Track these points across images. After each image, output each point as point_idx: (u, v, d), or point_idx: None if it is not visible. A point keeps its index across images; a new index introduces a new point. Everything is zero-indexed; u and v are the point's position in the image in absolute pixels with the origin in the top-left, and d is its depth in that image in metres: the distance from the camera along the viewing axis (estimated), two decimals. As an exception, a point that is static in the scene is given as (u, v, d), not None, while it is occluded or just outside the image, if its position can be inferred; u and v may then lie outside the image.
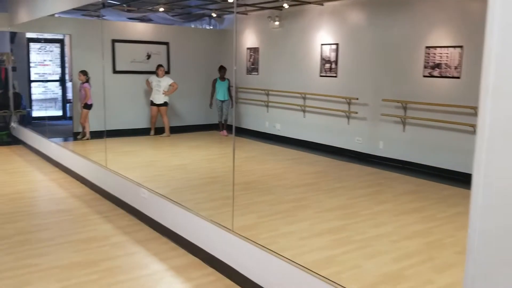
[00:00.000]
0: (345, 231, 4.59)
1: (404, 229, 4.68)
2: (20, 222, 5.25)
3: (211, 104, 10.55)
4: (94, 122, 9.38)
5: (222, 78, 10.39)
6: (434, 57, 7.09)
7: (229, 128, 10.42)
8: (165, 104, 10.29)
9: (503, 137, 1.74)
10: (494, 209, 1.79)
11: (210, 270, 4.05)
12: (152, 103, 10.24)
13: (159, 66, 10.25)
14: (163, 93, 10.16)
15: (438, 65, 7.05)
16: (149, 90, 10.28)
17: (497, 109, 1.75)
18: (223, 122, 10.51)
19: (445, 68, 6.95)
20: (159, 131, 10.35)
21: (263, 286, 3.51)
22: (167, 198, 4.82)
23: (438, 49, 7.04)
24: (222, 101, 10.42)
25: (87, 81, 9.37)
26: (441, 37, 7.02)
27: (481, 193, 1.81)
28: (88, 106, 9.39)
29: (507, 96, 1.72)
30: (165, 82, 10.22)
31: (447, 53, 6.93)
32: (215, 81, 10.48)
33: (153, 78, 10.21)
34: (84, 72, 9.37)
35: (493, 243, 1.80)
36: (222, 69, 10.38)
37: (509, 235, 1.75)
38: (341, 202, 5.57)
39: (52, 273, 3.95)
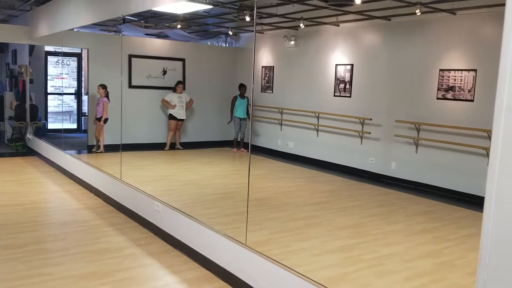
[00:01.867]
0: (357, 249, 4.61)
1: (416, 249, 4.69)
2: (34, 232, 5.31)
3: (231, 121, 10.62)
4: (109, 136, 9.49)
5: (242, 96, 10.47)
6: (448, 80, 7.13)
7: (245, 146, 10.49)
8: (183, 120, 10.48)
9: None
10: (507, 215, 1.84)
11: (222, 283, 4.08)
12: (174, 118, 10.35)
13: (180, 83, 10.42)
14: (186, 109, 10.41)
15: (451, 88, 7.09)
16: (168, 107, 10.37)
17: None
18: (238, 139, 10.56)
19: (459, 91, 6.99)
20: (171, 145, 10.49)
21: (275, 301, 3.53)
22: (181, 211, 4.87)
23: (452, 72, 7.08)
24: (241, 119, 10.48)
25: (106, 95, 9.49)
26: (455, 60, 7.07)
27: (494, 199, 1.87)
28: (104, 120, 9.50)
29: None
30: (185, 97, 10.41)
31: (460, 76, 6.97)
32: (235, 99, 10.55)
33: (172, 96, 10.33)
34: (103, 86, 9.49)
35: (505, 248, 1.85)
36: (242, 86, 10.47)
37: None
38: (353, 221, 5.59)
39: (66, 283, 3.99)
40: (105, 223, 5.72)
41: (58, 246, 4.91)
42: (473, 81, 6.81)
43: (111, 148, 8.92)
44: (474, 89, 6.80)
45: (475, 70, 6.78)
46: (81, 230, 5.45)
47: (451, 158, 7.13)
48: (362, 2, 6.75)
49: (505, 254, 1.85)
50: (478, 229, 1.99)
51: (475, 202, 6.32)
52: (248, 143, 10.02)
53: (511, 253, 1.83)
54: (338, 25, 8.91)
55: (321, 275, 3.88)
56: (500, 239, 1.87)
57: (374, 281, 3.88)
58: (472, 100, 6.83)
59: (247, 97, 10.50)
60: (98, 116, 9.53)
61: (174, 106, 10.31)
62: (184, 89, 10.79)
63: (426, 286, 3.83)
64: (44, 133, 11.50)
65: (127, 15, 6.46)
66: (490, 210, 1.89)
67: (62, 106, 12.44)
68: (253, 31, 10.35)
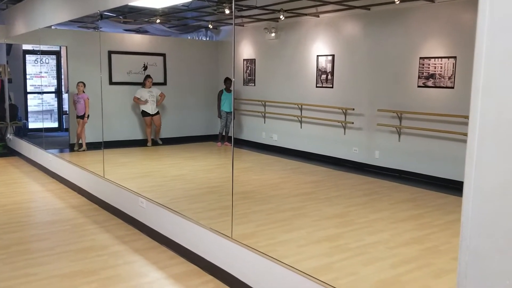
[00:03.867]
0: (342, 238, 4.63)
1: (401, 236, 4.72)
2: (17, 233, 5.25)
3: (220, 115, 10.55)
4: (91, 134, 9.40)
5: (228, 89, 10.41)
6: (428, 67, 7.18)
7: (229, 140, 10.45)
8: (158, 113, 10.40)
9: (492, 129, 1.84)
10: (485, 198, 1.87)
11: (209, 277, 4.07)
12: (148, 114, 10.28)
13: (148, 77, 10.30)
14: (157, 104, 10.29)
15: (432, 76, 7.13)
16: (140, 104, 10.28)
17: (486, 104, 1.86)
18: (223, 134, 10.51)
19: (439, 79, 7.04)
20: (154, 141, 10.42)
21: (262, 293, 3.54)
22: (166, 207, 4.84)
23: (432, 59, 7.12)
24: (227, 113, 10.42)
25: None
26: (435, 48, 7.11)
27: (473, 183, 1.89)
28: (87, 117, 9.40)
29: (495, 94, 1.83)
30: (155, 92, 10.31)
31: (441, 64, 7.01)
32: (221, 93, 10.49)
33: (142, 91, 10.23)
34: (83, 83, 9.41)
35: (484, 230, 1.88)
36: (228, 80, 10.41)
37: (499, 223, 1.83)
38: (338, 211, 5.61)
39: (51, 282, 3.95)
40: (89, 221, 5.67)
41: (42, 246, 4.85)
42: (453, 68, 6.86)
43: (93, 146, 8.85)
44: (454, 76, 6.85)
45: (454, 57, 6.83)
46: (65, 229, 5.40)
47: (433, 145, 7.18)
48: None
49: (485, 236, 1.87)
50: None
51: (458, 188, 6.32)
52: (233, 137, 9.99)
53: (491, 234, 1.85)
54: (318, 16, 8.90)
55: (308, 265, 3.89)
56: (480, 222, 1.89)
57: (360, 269, 3.90)
58: (452, 87, 6.89)
59: (232, 91, 10.47)
60: (80, 113, 9.43)
61: (145, 102, 10.22)
62: (165, 83, 10.72)
63: (412, 272, 3.86)
64: (25, 133, 11.35)
65: (105, 11, 6.38)
66: (469, 193, 1.91)
67: (42, 105, 12.28)
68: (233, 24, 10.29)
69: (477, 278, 1.90)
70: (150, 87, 10.28)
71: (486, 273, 1.87)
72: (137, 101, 10.25)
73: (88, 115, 9.39)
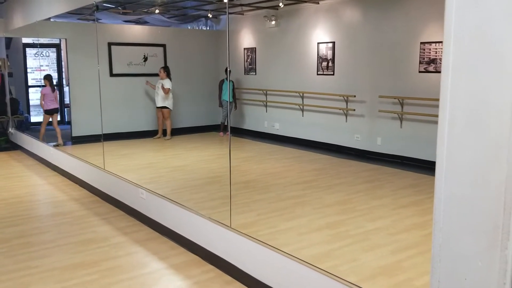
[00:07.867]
0: (343, 225, 4.61)
1: (402, 222, 4.70)
2: (19, 226, 5.26)
3: (221, 105, 10.51)
4: (91, 126, 9.36)
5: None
6: (429, 52, 7.11)
7: (231, 129, 10.41)
8: (166, 107, 10.22)
9: (462, 109, 1.83)
10: (457, 179, 1.86)
11: (210, 267, 4.06)
12: (156, 106, 10.25)
13: (160, 68, 10.18)
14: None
15: (433, 61, 7.07)
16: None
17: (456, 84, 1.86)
18: (226, 123, 10.47)
19: (440, 63, 6.95)
20: (164, 133, 10.38)
21: (261, 281, 3.53)
22: (166, 198, 4.84)
23: (433, 44, 7.06)
24: (229, 102, 10.36)
25: (51, 85, 9.35)
26: (435, 32, 7.04)
27: (444, 164, 1.89)
28: (51, 111, 9.35)
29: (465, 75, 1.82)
30: (163, 84, 10.21)
31: (441, 49, 6.92)
32: (222, 82, 10.44)
33: (158, 82, 10.19)
34: (46, 77, 9.39)
35: (457, 212, 1.87)
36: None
37: (469, 207, 1.82)
38: (339, 198, 5.59)
39: (52, 275, 3.96)
40: (90, 214, 5.67)
41: (43, 239, 4.86)
42: (454, 52, 6.78)
43: (94, 139, 8.82)
44: (456, 61, 6.77)
45: (455, 41, 6.75)
46: (67, 221, 5.40)
47: (435, 130, 7.07)
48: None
49: (458, 218, 1.85)
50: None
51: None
52: (235, 127, 9.94)
53: (463, 216, 1.83)
54: (318, 3, 8.82)
55: (308, 253, 3.88)
56: (452, 204, 1.87)
57: (361, 255, 3.88)
58: (454, 72, 6.81)
59: (232, 81, 10.42)
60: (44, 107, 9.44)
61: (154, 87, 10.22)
62: (167, 75, 10.65)
63: (412, 258, 3.84)
64: (27, 126, 11.35)
65: (101, 2, 6.34)
66: (441, 175, 1.89)
67: (44, 99, 12.25)
68: (232, 13, 10.24)
69: (450, 260, 1.89)
70: (162, 78, 10.11)
71: (459, 255, 1.85)
72: (151, 85, 10.25)
73: (52, 110, 9.36)
